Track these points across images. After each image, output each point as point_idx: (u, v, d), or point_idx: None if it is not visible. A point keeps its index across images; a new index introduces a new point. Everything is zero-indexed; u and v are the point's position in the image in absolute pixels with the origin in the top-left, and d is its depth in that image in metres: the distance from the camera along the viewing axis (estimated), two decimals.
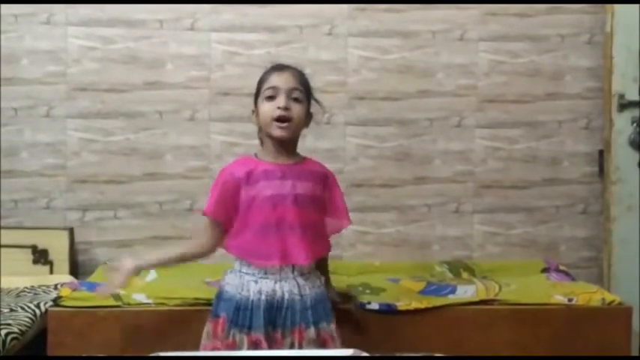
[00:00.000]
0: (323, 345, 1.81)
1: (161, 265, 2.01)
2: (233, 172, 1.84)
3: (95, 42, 2.93)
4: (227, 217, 1.84)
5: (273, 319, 1.78)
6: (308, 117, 1.90)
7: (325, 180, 1.90)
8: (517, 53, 3.10)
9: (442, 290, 2.55)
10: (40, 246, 2.80)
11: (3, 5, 2.87)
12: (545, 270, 2.90)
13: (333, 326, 1.86)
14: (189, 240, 1.95)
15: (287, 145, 1.87)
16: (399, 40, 3.05)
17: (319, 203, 1.87)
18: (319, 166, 1.94)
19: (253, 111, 1.90)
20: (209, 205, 1.85)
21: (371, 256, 3.04)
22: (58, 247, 2.81)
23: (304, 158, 1.92)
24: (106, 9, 2.93)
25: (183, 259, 1.91)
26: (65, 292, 2.37)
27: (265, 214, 1.79)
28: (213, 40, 2.99)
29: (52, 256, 2.80)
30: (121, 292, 2.39)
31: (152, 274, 2.72)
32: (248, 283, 1.80)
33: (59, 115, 2.93)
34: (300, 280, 1.82)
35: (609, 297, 2.48)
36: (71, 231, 2.86)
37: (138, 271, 1.92)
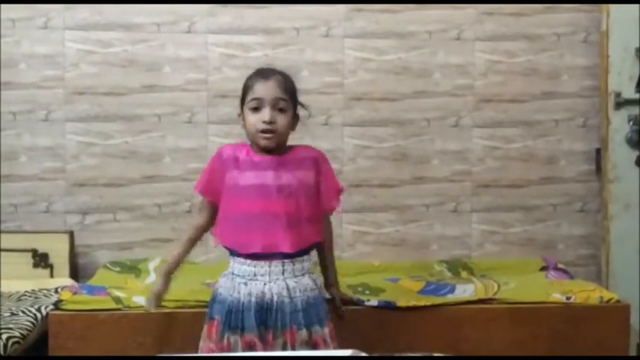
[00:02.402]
0: (314, 348, 1.81)
1: (181, 259, 1.99)
2: (222, 153, 1.89)
3: (93, 46, 2.94)
4: (215, 197, 1.89)
5: (265, 320, 1.79)
6: (294, 120, 1.91)
7: (316, 163, 1.89)
8: (513, 53, 3.11)
9: (441, 290, 2.56)
10: (41, 250, 2.81)
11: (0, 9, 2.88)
12: (543, 268, 2.91)
13: (326, 330, 1.85)
14: (187, 226, 2.03)
15: (274, 150, 1.86)
16: (395, 40, 3.06)
17: (309, 191, 1.86)
18: (308, 150, 1.92)
19: (239, 115, 1.91)
20: (199, 182, 1.92)
21: (370, 256, 3.05)
22: (58, 250, 2.82)
23: (293, 148, 1.91)
24: (104, 13, 2.94)
25: (192, 245, 1.98)
26: (66, 295, 2.38)
27: (249, 205, 1.81)
28: (211, 43, 2.99)
29: (52, 260, 2.81)
30: (121, 294, 2.40)
31: (152, 277, 2.73)
32: (239, 285, 1.82)
33: (58, 118, 2.94)
34: (291, 283, 1.82)
35: (607, 295, 2.49)
36: (71, 234, 2.87)
37: (169, 277, 1.99)
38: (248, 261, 1.82)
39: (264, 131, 1.81)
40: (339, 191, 1.94)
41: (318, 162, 1.91)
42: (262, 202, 1.80)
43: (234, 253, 1.86)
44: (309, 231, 1.86)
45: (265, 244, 1.80)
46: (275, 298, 1.79)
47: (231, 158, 1.86)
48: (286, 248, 1.80)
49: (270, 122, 1.81)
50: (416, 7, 3.05)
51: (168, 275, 1.98)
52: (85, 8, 2.93)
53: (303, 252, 1.86)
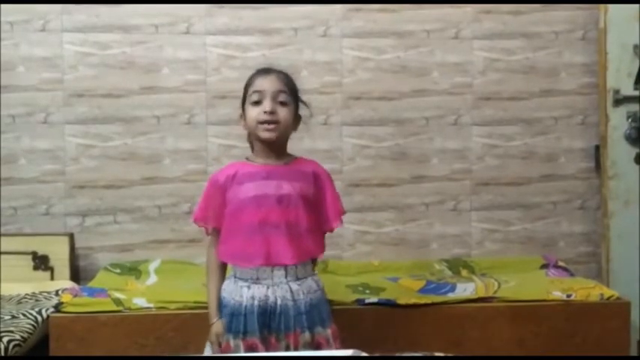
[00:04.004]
0: (317, 349, 1.80)
1: (219, 290, 1.90)
2: (218, 179, 1.87)
3: (91, 48, 2.94)
4: (220, 221, 1.85)
5: (268, 323, 1.78)
6: (296, 120, 1.90)
7: (317, 178, 1.89)
8: (512, 50, 3.11)
9: (441, 288, 2.57)
10: (41, 252, 2.81)
11: None
12: (543, 266, 2.92)
13: (329, 331, 1.84)
14: (211, 259, 1.91)
15: (275, 147, 1.86)
16: (393, 39, 3.06)
17: (309, 203, 1.85)
18: (311, 165, 1.92)
19: (241, 115, 1.91)
20: (197, 212, 1.89)
21: (370, 256, 3.05)
22: (58, 252, 2.82)
23: (296, 158, 1.91)
24: (102, 15, 2.94)
25: (223, 275, 1.91)
26: (66, 297, 2.38)
27: (249, 216, 1.80)
28: (209, 44, 2.99)
29: (52, 262, 2.81)
30: (122, 296, 2.41)
31: (152, 278, 2.74)
32: (241, 288, 1.81)
33: (57, 121, 2.94)
34: (294, 286, 1.81)
35: (607, 292, 2.49)
36: (71, 236, 2.87)
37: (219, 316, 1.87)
38: (250, 265, 1.82)
39: (265, 122, 1.80)
40: (341, 213, 1.93)
41: (320, 178, 1.90)
42: (262, 213, 1.79)
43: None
44: (309, 243, 1.84)
45: (267, 255, 1.79)
46: (279, 301, 1.78)
47: (230, 177, 1.84)
48: (288, 260, 1.80)
49: (271, 112, 1.80)
50: (414, 6, 3.05)
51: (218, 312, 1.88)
52: (82, 10, 2.93)
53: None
